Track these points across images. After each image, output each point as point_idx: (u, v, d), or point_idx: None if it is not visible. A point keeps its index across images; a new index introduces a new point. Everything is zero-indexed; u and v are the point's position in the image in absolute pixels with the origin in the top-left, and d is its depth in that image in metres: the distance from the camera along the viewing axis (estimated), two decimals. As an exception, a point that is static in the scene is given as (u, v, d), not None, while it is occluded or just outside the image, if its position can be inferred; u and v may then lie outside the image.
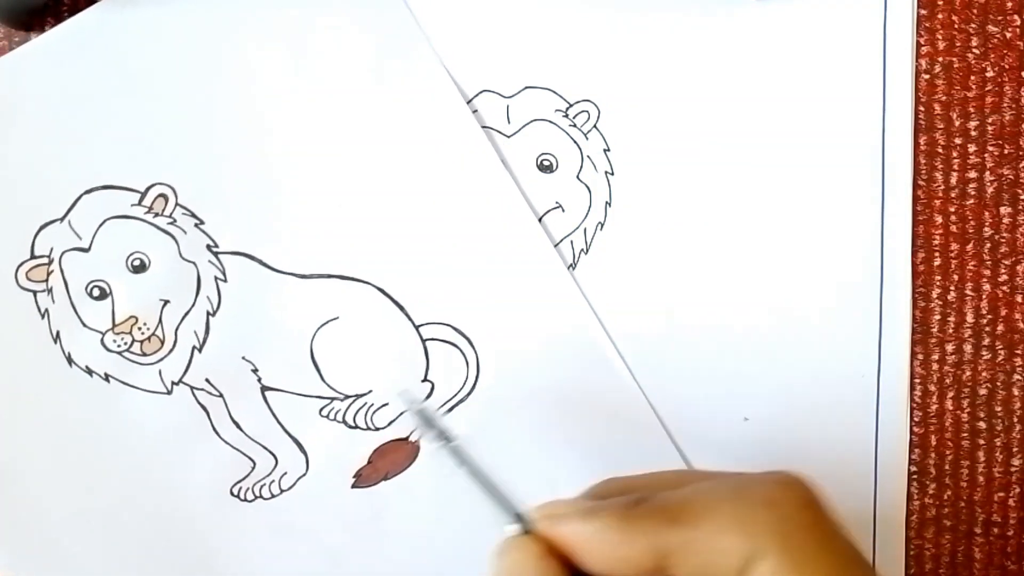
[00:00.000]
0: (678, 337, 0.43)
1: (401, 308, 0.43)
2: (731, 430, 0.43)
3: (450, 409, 0.43)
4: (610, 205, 0.43)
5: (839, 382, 0.43)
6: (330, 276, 0.42)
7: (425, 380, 0.43)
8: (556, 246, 0.43)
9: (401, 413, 0.42)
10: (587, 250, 0.43)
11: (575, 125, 0.43)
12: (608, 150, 0.43)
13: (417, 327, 0.43)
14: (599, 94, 0.43)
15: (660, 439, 0.43)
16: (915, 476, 0.43)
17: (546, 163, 0.43)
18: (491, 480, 0.33)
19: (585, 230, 0.43)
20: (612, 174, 0.43)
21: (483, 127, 0.42)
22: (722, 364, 0.43)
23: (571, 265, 0.43)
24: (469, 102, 0.43)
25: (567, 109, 0.43)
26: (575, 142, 0.43)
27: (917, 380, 0.43)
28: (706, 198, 0.43)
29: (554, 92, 0.43)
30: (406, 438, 0.43)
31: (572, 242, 0.43)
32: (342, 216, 0.42)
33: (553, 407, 0.43)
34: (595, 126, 0.43)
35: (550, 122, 0.43)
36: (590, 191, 0.43)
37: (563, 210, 0.43)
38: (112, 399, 0.41)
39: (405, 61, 0.43)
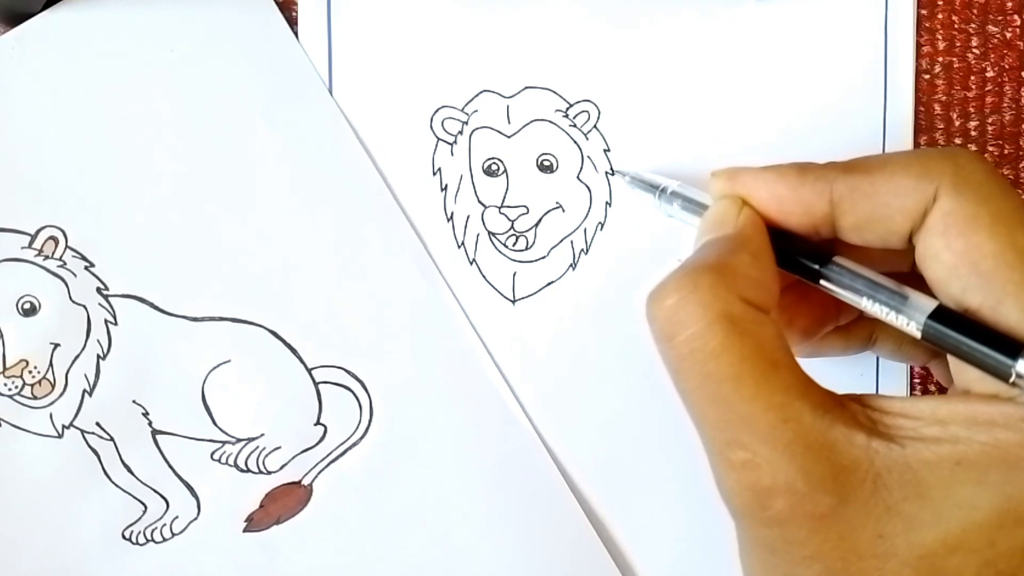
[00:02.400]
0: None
1: (293, 351, 0.42)
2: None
3: (343, 453, 0.42)
4: (610, 205, 0.42)
5: (838, 381, 0.41)
6: (222, 319, 0.42)
7: (318, 423, 0.42)
8: (553, 248, 0.42)
9: (293, 456, 0.42)
10: (587, 250, 0.42)
11: (575, 125, 0.42)
12: (608, 150, 0.42)
13: (310, 370, 0.42)
14: (599, 94, 0.42)
15: (555, 481, 0.42)
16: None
17: (546, 163, 0.42)
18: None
19: (585, 230, 0.42)
20: (612, 174, 0.42)
21: (483, 127, 0.42)
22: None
23: (571, 265, 0.42)
24: (469, 102, 0.42)
25: (567, 109, 0.42)
26: (575, 142, 0.42)
27: (916, 380, 0.43)
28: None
29: (554, 92, 0.42)
30: (298, 482, 0.42)
31: (572, 242, 0.42)
32: (233, 258, 0.42)
33: (448, 451, 0.42)
34: (595, 126, 0.42)
35: (550, 122, 0.42)
36: (590, 191, 0.42)
37: (563, 210, 0.42)
38: (3, 442, 0.41)
39: (299, 103, 0.42)
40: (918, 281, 0.31)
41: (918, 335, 0.30)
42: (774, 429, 0.28)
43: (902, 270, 0.33)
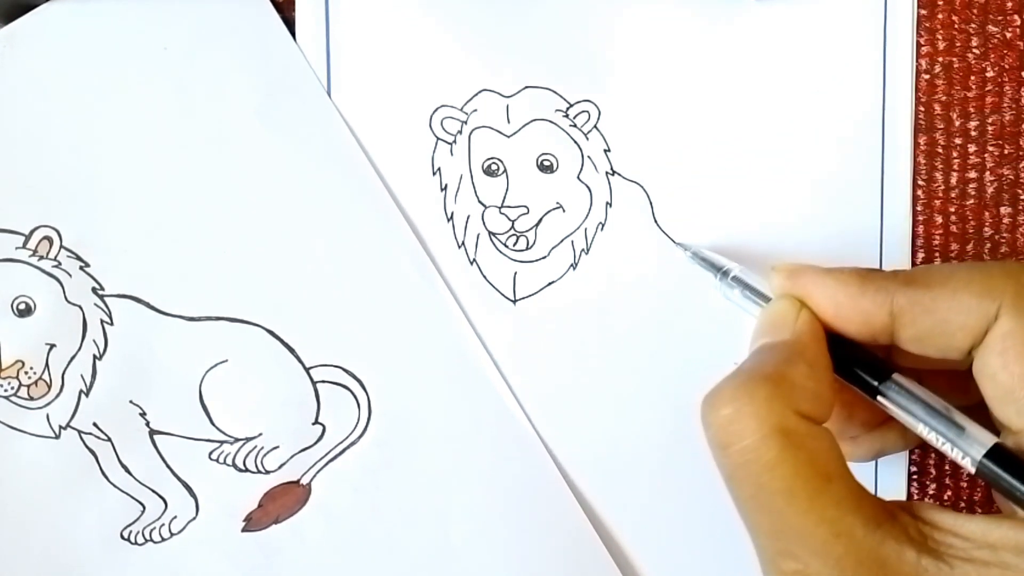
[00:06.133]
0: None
1: (291, 350, 0.42)
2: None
3: (341, 452, 0.42)
4: (611, 205, 0.42)
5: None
6: (218, 318, 0.42)
7: (316, 423, 0.42)
8: (554, 248, 0.42)
9: (291, 456, 0.42)
10: (587, 250, 0.42)
11: (575, 125, 0.42)
12: (608, 150, 0.42)
13: (307, 369, 0.42)
14: (599, 94, 0.42)
15: (554, 480, 0.42)
16: (915, 476, 0.43)
17: (546, 163, 0.42)
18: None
19: (586, 230, 0.42)
20: (613, 174, 0.42)
21: (482, 127, 0.42)
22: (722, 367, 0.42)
23: (572, 265, 0.42)
24: (468, 101, 0.42)
25: (567, 109, 0.42)
26: (575, 142, 0.42)
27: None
28: (706, 199, 0.42)
29: (554, 92, 0.42)
30: (296, 481, 0.42)
31: (572, 242, 0.42)
32: (229, 257, 0.42)
33: (447, 451, 0.42)
34: (595, 126, 0.42)
35: (550, 122, 0.42)
36: (591, 191, 0.42)
37: (563, 210, 0.42)
38: (0, 444, 0.41)
39: (294, 101, 0.42)
40: (974, 384, 0.32)
41: (972, 470, 0.30)
42: (826, 543, 0.29)
43: (960, 369, 0.33)
